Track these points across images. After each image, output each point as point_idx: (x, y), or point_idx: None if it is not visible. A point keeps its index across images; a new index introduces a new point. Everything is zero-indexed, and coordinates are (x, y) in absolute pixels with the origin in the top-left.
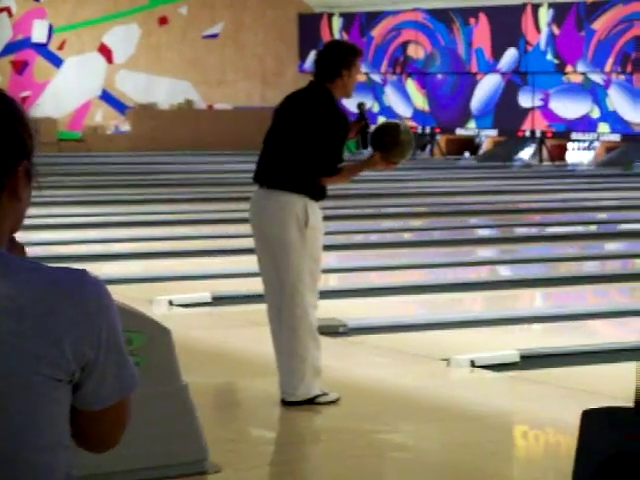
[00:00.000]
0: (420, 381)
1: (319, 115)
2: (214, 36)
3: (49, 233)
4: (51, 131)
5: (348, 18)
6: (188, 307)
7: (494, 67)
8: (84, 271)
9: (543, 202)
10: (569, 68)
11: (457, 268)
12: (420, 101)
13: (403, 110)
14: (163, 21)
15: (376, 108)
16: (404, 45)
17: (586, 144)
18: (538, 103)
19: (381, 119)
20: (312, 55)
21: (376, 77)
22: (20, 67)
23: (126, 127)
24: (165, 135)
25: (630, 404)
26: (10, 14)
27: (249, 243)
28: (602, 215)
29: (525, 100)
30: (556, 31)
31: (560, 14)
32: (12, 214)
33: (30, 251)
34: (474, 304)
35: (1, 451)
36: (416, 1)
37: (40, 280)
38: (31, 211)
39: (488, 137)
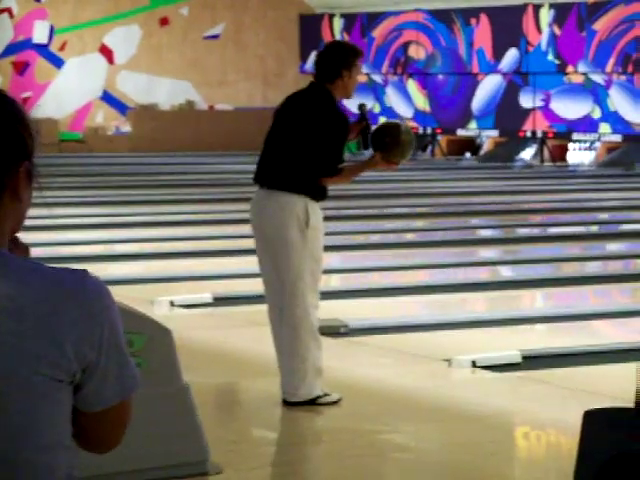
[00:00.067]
0: (421, 381)
1: (319, 116)
2: (215, 37)
3: (50, 234)
4: (52, 132)
5: (349, 19)
6: (189, 308)
7: (495, 67)
8: (85, 271)
9: (544, 202)
10: (570, 68)
11: (459, 268)
12: (421, 102)
13: (404, 111)
14: (164, 22)
15: (377, 109)
16: (405, 46)
17: (587, 144)
18: (539, 103)
19: (382, 119)
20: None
21: (377, 78)
22: (21, 68)
23: (127, 128)
24: (166, 136)
25: (632, 405)
26: (11, 15)
27: (250, 244)
28: (604, 215)
29: (526, 100)
30: (557, 31)
31: (561, 14)
32: (13, 215)
33: (31, 252)
34: (476, 304)
35: (3, 450)
36: (417, 2)
37: (41, 280)
38: (32, 212)
39: (489, 137)
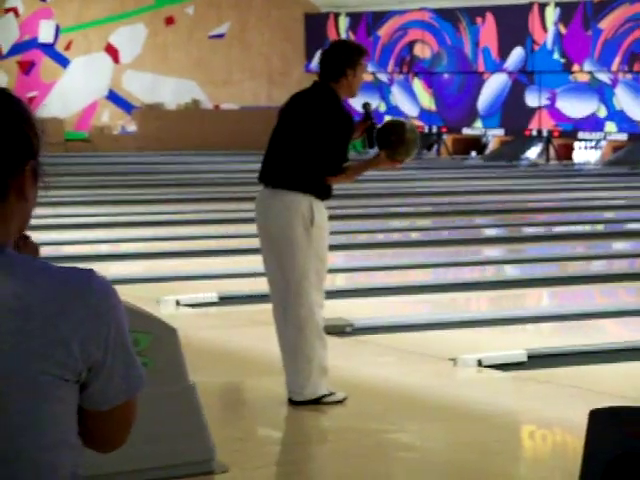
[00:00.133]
0: (427, 381)
1: (324, 115)
2: (220, 36)
3: (56, 233)
4: (58, 131)
5: (354, 18)
6: (195, 307)
7: (501, 66)
8: (92, 271)
9: (550, 201)
10: (576, 67)
11: (464, 268)
12: (427, 100)
13: (410, 109)
14: (169, 21)
15: (383, 108)
16: (411, 44)
17: (593, 143)
18: (545, 102)
19: (388, 118)
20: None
21: (383, 77)
22: (27, 67)
23: (132, 127)
24: (171, 135)
25: (637, 404)
26: (17, 14)
27: (255, 243)
28: (609, 214)
29: (532, 99)
30: (563, 30)
31: (567, 13)
32: (19, 214)
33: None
34: (481, 304)
35: (3, 449)
36: (423, 0)
37: (48, 280)
38: (38, 211)
39: (495, 136)
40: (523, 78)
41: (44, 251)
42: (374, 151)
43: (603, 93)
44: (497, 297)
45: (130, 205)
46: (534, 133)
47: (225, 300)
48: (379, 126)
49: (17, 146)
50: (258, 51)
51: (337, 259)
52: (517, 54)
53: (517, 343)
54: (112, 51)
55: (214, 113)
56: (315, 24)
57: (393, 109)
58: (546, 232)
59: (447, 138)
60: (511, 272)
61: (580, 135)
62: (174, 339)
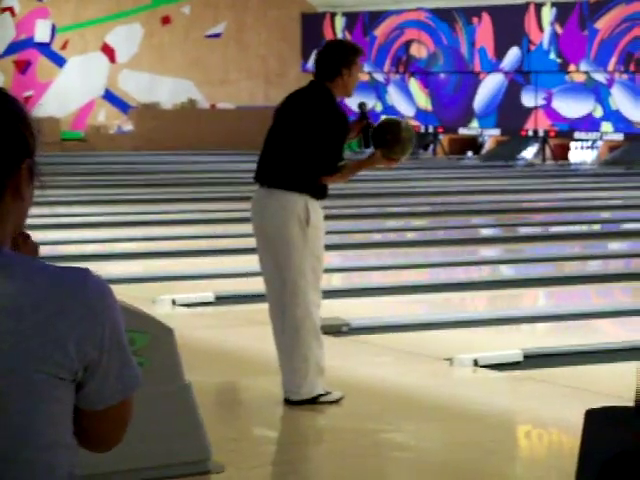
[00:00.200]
0: (423, 380)
1: (319, 114)
2: (217, 35)
3: (52, 232)
4: (54, 131)
5: (351, 17)
6: (191, 307)
7: (497, 66)
8: (87, 270)
9: (546, 201)
10: (572, 67)
11: (460, 267)
12: (423, 100)
13: (406, 109)
14: (166, 21)
15: (379, 107)
16: (407, 44)
17: (589, 143)
18: (541, 102)
19: (383, 117)
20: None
21: (379, 76)
22: (23, 67)
23: (129, 126)
24: (168, 134)
25: (633, 403)
26: (13, 14)
27: (251, 242)
28: (605, 214)
29: (528, 99)
30: (559, 30)
31: (563, 13)
32: (15, 213)
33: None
34: (477, 303)
35: (1, 449)
36: (419, 0)
37: (43, 279)
38: (34, 210)
39: (491, 136)
40: (519, 78)
41: (41, 250)
42: (370, 151)
43: (599, 93)
44: (493, 297)
45: (126, 205)
46: (530, 133)
47: (221, 300)
48: (374, 125)
49: (13, 145)
50: (255, 51)
51: (333, 259)
52: (513, 54)
53: (513, 343)
54: (108, 51)
55: (210, 113)
56: (312, 24)
57: (389, 109)
58: (542, 232)
59: (443, 138)
60: (507, 272)
61: (576, 135)
62: (170, 339)
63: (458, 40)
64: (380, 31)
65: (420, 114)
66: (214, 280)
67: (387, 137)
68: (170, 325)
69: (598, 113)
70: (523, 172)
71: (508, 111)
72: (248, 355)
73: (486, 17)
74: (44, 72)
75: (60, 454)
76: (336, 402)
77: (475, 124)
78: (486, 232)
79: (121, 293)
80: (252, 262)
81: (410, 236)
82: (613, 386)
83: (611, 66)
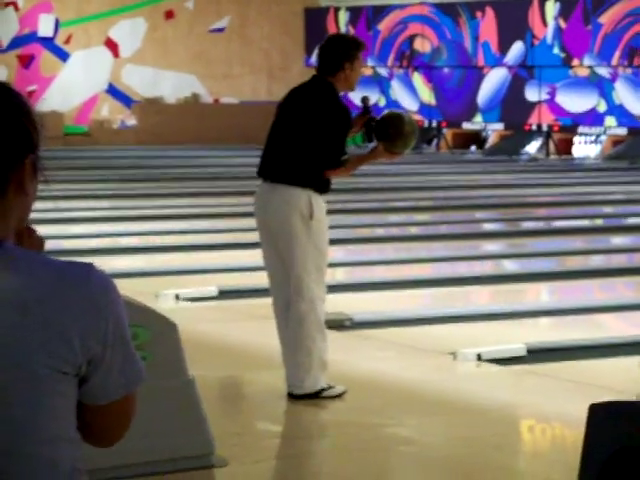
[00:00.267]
0: (426, 375)
1: (322, 109)
2: (220, 30)
3: (55, 227)
4: (57, 125)
5: (354, 12)
6: (194, 301)
7: (501, 61)
8: (91, 265)
9: (550, 196)
10: (576, 62)
11: (463, 262)
12: (426, 95)
13: (409, 104)
14: (169, 15)
15: (382, 102)
16: (410, 39)
17: (593, 138)
18: (545, 97)
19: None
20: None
21: (382, 71)
22: (26, 61)
23: (132, 121)
24: (171, 129)
25: (636, 397)
26: (16, 8)
27: (255, 237)
28: (609, 209)
29: (532, 94)
30: (563, 25)
31: (567, 8)
32: (19, 208)
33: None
34: (480, 298)
35: (4, 443)
36: None
37: (47, 274)
38: (37, 205)
39: (494, 131)
40: (523, 72)
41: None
42: (373, 145)
43: (603, 88)
44: (496, 291)
45: (130, 199)
46: (534, 128)
47: (225, 294)
48: (377, 118)
49: (17, 140)
50: (258, 45)
51: (336, 253)
52: (517, 48)
53: (516, 337)
54: (112, 45)
55: (214, 107)
56: (315, 18)
57: (393, 103)
58: (545, 227)
59: (447, 132)
60: (510, 266)
61: (580, 130)
62: (174, 333)
63: (462, 34)
64: (384, 25)
65: (424, 108)
66: (218, 274)
67: (390, 131)
68: (173, 320)
69: (602, 108)
70: (527, 167)
71: (512, 106)
72: (251, 349)
73: (490, 11)
74: (47, 66)
75: (63, 448)
76: (339, 396)
77: (479, 118)
78: (489, 227)
79: (124, 288)
80: (256, 257)
81: (413, 231)
82: (616, 380)
83: (615, 60)
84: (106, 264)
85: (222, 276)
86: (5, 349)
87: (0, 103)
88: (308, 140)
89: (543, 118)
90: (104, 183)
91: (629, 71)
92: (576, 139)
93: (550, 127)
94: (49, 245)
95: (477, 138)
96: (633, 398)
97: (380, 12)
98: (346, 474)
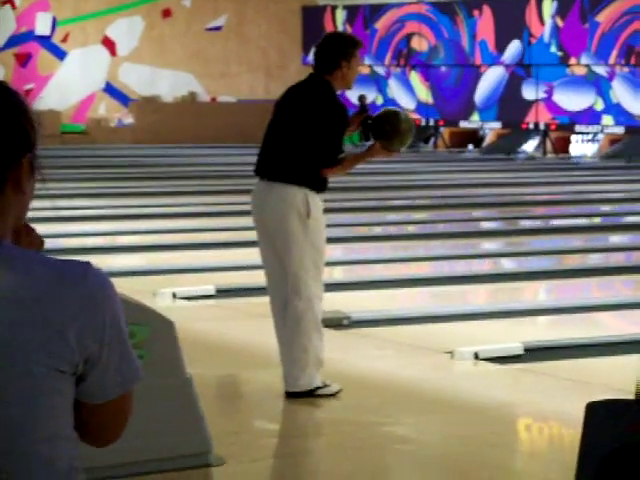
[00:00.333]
0: (423, 373)
1: (318, 107)
2: (217, 28)
3: (52, 226)
4: (54, 124)
5: (352, 10)
6: (192, 300)
7: (498, 59)
8: (88, 263)
9: (547, 194)
10: (573, 60)
11: (461, 260)
12: (424, 93)
13: (407, 102)
14: (166, 13)
15: (380, 100)
16: (408, 37)
17: (590, 136)
18: (542, 95)
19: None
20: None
21: (380, 69)
22: (23, 60)
23: (130, 119)
24: (168, 127)
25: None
26: (13, 6)
27: (252, 235)
28: (606, 207)
29: (529, 92)
30: (560, 23)
31: (564, 6)
32: (16, 207)
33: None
34: (478, 296)
35: (0, 441)
36: None
37: (44, 272)
38: (34, 203)
39: (492, 129)
40: (520, 71)
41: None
42: (370, 143)
43: (600, 86)
44: (494, 290)
45: (127, 197)
46: (531, 126)
47: (222, 293)
48: (373, 116)
49: (14, 139)
50: (255, 44)
51: (334, 252)
52: (514, 47)
53: (514, 336)
54: (109, 44)
55: (211, 106)
56: (312, 17)
57: (390, 102)
58: (543, 225)
59: (444, 131)
60: (508, 265)
61: (577, 128)
62: (171, 332)
63: (459, 33)
64: (381, 24)
65: (421, 107)
66: (215, 273)
67: (386, 128)
68: (171, 318)
69: (599, 106)
70: (524, 165)
71: (509, 104)
72: (249, 348)
73: (487, 10)
74: (45, 65)
75: (59, 447)
76: (334, 395)
77: (476, 117)
78: (487, 225)
79: (122, 286)
80: (253, 255)
81: (411, 229)
82: (614, 379)
83: (612, 59)
84: (103, 263)
85: (220, 275)
86: (3, 348)
87: None
88: (305, 138)
89: (540, 117)
90: (101, 182)
91: (626, 70)
92: (573, 138)
93: (547, 126)
94: (47, 244)
95: (474, 137)
96: (631, 397)
97: (377, 11)
98: (343, 472)
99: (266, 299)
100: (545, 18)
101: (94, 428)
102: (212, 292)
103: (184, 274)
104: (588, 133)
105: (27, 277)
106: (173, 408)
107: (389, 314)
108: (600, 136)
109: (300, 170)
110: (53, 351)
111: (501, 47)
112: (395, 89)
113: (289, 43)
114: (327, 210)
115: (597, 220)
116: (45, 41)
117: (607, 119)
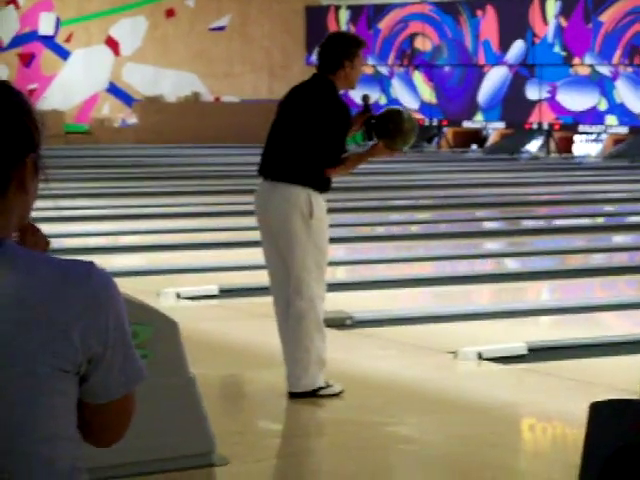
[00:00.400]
0: (427, 373)
1: (321, 107)
2: (221, 28)
3: (56, 225)
4: (58, 124)
5: (355, 10)
6: (195, 300)
7: (501, 59)
8: (91, 263)
9: (550, 194)
10: (576, 60)
11: (464, 260)
12: (427, 93)
13: (410, 102)
14: (170, 13)
15: (383, 100)
16: (411, 37)
17: (593, 136)
18: (545, 95)
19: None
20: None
21: (383, 69)
22: (27, 60)
23: (133, 119)
24: (172, 127)
25: (638, 396)
26: (17, 6)
27: (255, 235)
28: (609, 207)
29: (532, 92)
30: (564, 23)
31: (568, 6)
32: (19, 206)
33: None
34: (481, 296)
35: (1, 441)
36: None
37: (48, 272)
38: (38, 203)
39: (495, 129)
40: (524, 71)
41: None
42: (373, 142)
43: (604, 86)
44: (497, 290)
45: (130, 197)
46: (535, 126)
47: (225, 293)
48: (377, 115)
49: (18, 139)
50: (259, 44)
51: (337, 252)
52: (518, 47)
53: (517, 336)
54: (112, 44)
55: (214, 106)
56: (316, 17)
57: (393, 102)
58: (546, 225)
59: (447, 131)
60: (511, 265)
61: (581, 128)
62: (174, 332)
63: (462, 33)
64: (384, 24)
65: (424, 107)
66: (218, 273)
67: (389, 127)
68: (174, 318)
69: (603, 106)
70: (527, 165)
71: (512, 104)
72: (252, 348)
73: (490, 10)
74: (48, 65)
75: (61, 447)
76: (337, 395)
77: (479, 117)
78: (490, 225)
79: (125, 286)
80: (256, 255)
81: (414, 229)
82: (618, 379)
83: (616, 59)
84: (107, 262)
85: (223, 275)
86: (7, 348)
87: (1, 102)
88: (308, 138)
89: (544, 117)
90: (105, 181)
91: (630, 70)
92: (577, 138)
93: (551, 126)
94: (51, 244)
95: (478, 137)
96: (635, 396)
97: (381, 11)
98: (346, 472)
99: (269, 299)
100: (549, 18)
101: (97, 428)
102: (215, 292)
103: (187, 274)
104: (592, 133)
105: (31, 277)
106: (176, 408)
107: (392, 314)
108: (604, 136)
109: (303, 170)
110: (57, 351)
111: (505, 47)
112: (398, 89)
113: (292, 43)
114: (330, 210)
115: (600, 220)
116: (49, 41)
117: (611, 119)
